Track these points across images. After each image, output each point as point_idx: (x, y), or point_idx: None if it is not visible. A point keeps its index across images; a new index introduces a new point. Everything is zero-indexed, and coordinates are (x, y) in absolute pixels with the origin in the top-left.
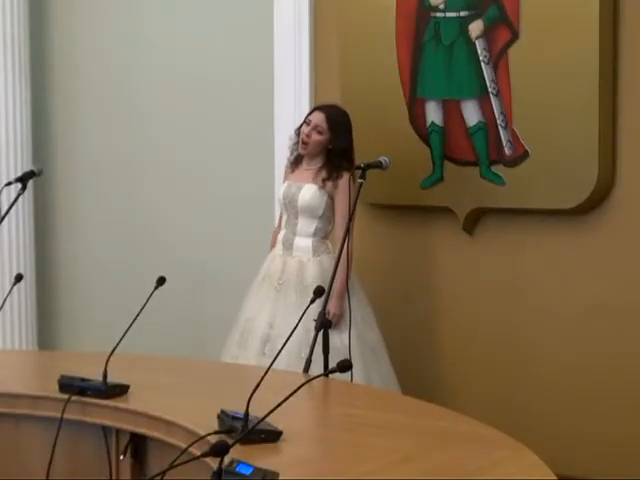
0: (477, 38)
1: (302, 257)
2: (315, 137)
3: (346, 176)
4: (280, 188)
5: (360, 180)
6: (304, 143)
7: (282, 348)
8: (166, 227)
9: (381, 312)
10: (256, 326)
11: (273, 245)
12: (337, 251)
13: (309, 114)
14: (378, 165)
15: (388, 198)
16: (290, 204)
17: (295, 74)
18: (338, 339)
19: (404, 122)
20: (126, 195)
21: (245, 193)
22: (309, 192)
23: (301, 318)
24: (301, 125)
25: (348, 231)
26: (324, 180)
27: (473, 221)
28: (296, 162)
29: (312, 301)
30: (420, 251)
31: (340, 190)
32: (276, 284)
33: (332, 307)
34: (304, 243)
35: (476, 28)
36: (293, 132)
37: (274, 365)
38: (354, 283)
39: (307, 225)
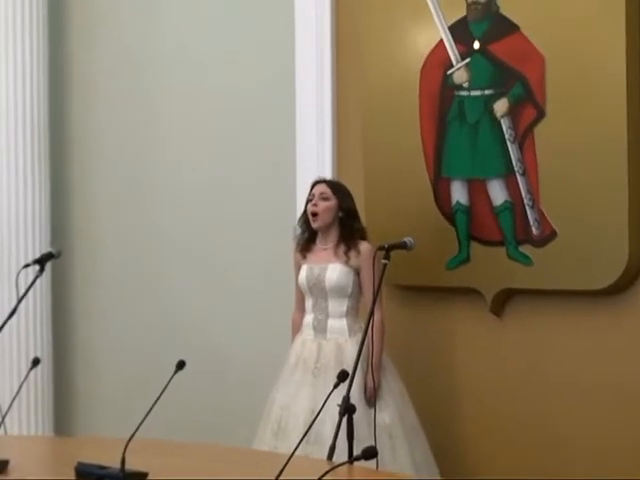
0: (502, 116)
1: (339, 338)
2: (323, 204)
3: (367, 246)
4: (297, 273)
5: (384, 261)
6: (314, 215)
7: (305, 435)
8: (185, 308)
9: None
10: (295, 414)
11: (296, 330)
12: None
13: (310, 192)
14: (402, 246)
15: (413, 279)
16: (316, 287)
17: (318, 159)
18: (384, 416)
19: (429, 202)
20: (143, 276)
21: (265, 267)
22: (335, 272)
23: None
24: (305, 210)
25: (374, 304)
26: (346, 252)
27: (501, 302)
28: (307, 244)
29: (335, 386)
30: (446, 333)
31: (365, 262)
32: (313, 368)
33: (369, 380)
34: (338, 324)
35: (501, 106)
36: (296, 225)
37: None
38: (387, 359)
39: (339, 305)
